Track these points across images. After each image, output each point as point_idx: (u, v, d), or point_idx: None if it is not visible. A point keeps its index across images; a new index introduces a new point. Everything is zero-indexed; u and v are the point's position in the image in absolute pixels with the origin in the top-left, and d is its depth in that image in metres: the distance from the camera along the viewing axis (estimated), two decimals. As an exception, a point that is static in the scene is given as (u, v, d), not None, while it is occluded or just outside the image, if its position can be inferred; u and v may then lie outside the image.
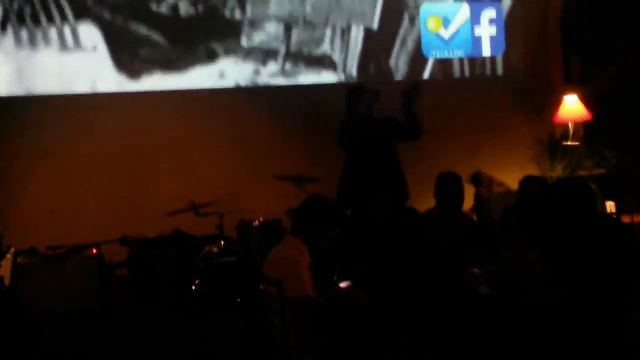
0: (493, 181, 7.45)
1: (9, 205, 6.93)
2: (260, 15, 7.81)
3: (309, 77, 7.90)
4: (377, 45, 8.01)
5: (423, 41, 8.03)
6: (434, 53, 8.09)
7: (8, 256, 5.93)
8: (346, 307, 4.02)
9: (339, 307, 4.02)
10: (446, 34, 8.08)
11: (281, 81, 7.86)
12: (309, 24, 7.89)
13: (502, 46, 8.20)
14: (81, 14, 7.43)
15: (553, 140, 7.98)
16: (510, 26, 8.22)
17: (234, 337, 5.38)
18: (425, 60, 8.07)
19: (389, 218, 4.40)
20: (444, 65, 8.13)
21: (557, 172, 7.70)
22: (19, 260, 6.00)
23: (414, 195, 6.08)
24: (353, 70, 8.00)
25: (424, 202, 5.30)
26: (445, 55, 8.09)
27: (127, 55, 7.56)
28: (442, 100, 7.93)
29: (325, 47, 7.94)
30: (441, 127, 7.82)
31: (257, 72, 7.82)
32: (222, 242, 6.40)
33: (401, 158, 6.19)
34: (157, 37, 7.64)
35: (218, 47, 7.75)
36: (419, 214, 4.52)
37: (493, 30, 8.15)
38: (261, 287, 6.03)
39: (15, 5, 7.36)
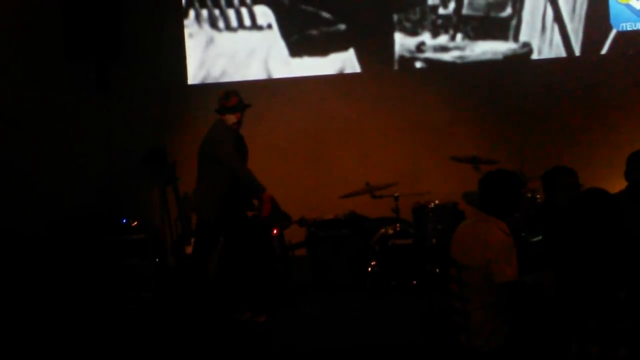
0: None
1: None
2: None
3: (480, 47, 7.64)
4: (557, 16, 7.63)
5: (612, 12, 7.51)
6: (624, 25, 7.56)
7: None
8: (536, 294, 3.87)
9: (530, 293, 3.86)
10: (638, 4, 7.53)
11: (453, 54, 7.68)
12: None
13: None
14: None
15: None
16: None
17: (410, 318, 5.37)
18: (605, 33, 7.57)
19: (576, 201, 4.18)
20: (626, 37, 7.58)
21: None
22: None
23: (604, 177, 5.76)
24: (533, 42, 7.65)
25: (615, 184, 5.00)
26: (638, 27, 7.54)
27: (297, 34, 7.73)
28: (629, 75, 7.44)
29: (499, 16, 7.63)
30: (630, 105, 7.35)
31: (425, 45, 7.69)
32: (398, 225, 6.41)
33: (590, 138, 5.83)
34: (325, 15, 7.73)
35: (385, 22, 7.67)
36: (610, 195, 4.26)
37: (693, -3, 7.47)
38: (437, 270, 6.07)
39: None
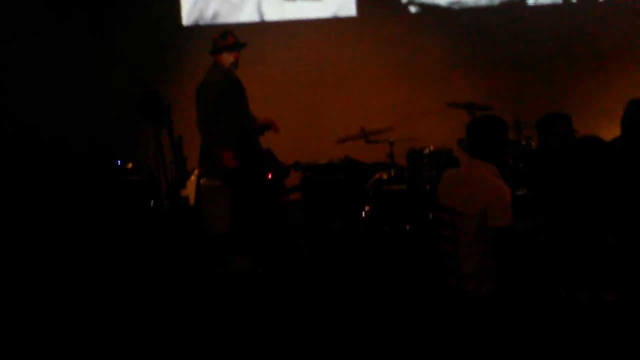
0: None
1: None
2: None
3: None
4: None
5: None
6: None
7: (192, 177, 6.33)
8: (528, 239, 3.92)
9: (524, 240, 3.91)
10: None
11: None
12: None
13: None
14: None
15: None
16: None
17: (403, 263, 5.44)
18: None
19: (572, 147, 4.20)
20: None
21: None
22: (202, 181, 6.36)
23: (599, 124, 5.78)
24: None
25: (610, 131, 5.02)
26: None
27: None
28: (626, 23, 7.39)
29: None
30: (626, 52, 7.32)
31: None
32: (392, 170, 6.43)
33: (586, 85, 5.83)
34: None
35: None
36: (604, 142, 4.28)
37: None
38: (430, 216, 6.11)
39: None
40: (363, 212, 6.38)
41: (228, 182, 5.77)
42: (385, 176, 6.42)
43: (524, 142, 5.97)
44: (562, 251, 3.84)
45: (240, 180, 5.65)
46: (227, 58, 5.60)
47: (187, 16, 7.74)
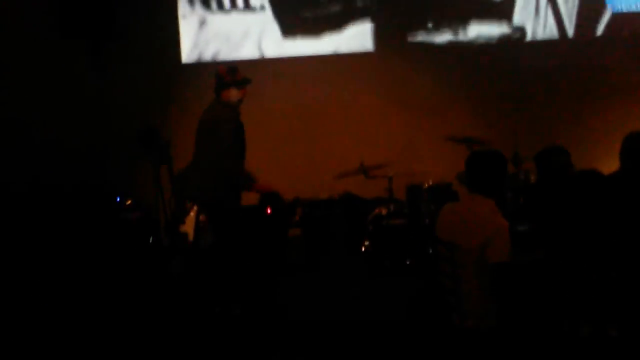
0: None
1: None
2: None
3: (474, 29, 7.65)
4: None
5: (608, -7, 7.55)
6: (619, 6, 7.56)
7: (191, 213, 6.33)
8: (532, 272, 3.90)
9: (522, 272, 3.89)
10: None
11: (448, 36, 7.67)
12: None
13: None
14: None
15: None
16: None
17: (404, 298, 5.41)
18: (600, 14, 7.55)
19: (571, 180, 4.21)
20: (621, 20, 7.56)
21: None
22: (201, 217, 6.35)
23: (597, 158, 5.78)
24: (527, 24, 7.65)
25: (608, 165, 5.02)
26: (633, 8, 7.53)
27: (290, 15, 7.72)
28: (623, 57, 7.46)
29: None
30: (624, 87, 7.38)
31: (420, 26, 7.66)
32: (392, 205, 6.43)
33: (583, 120, 5.84)
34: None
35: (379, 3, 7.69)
36: (603, 176, 4.29)
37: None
38: (430, 250, 6.10)
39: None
40: (363, 247, 6.36)
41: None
42: (384, 211, 6.42)
43: (522, 177, 5.99)
44: (564, 285, 3.82)
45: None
46: (235, 94, 5.46)
47: (187, 56, 7.82)
